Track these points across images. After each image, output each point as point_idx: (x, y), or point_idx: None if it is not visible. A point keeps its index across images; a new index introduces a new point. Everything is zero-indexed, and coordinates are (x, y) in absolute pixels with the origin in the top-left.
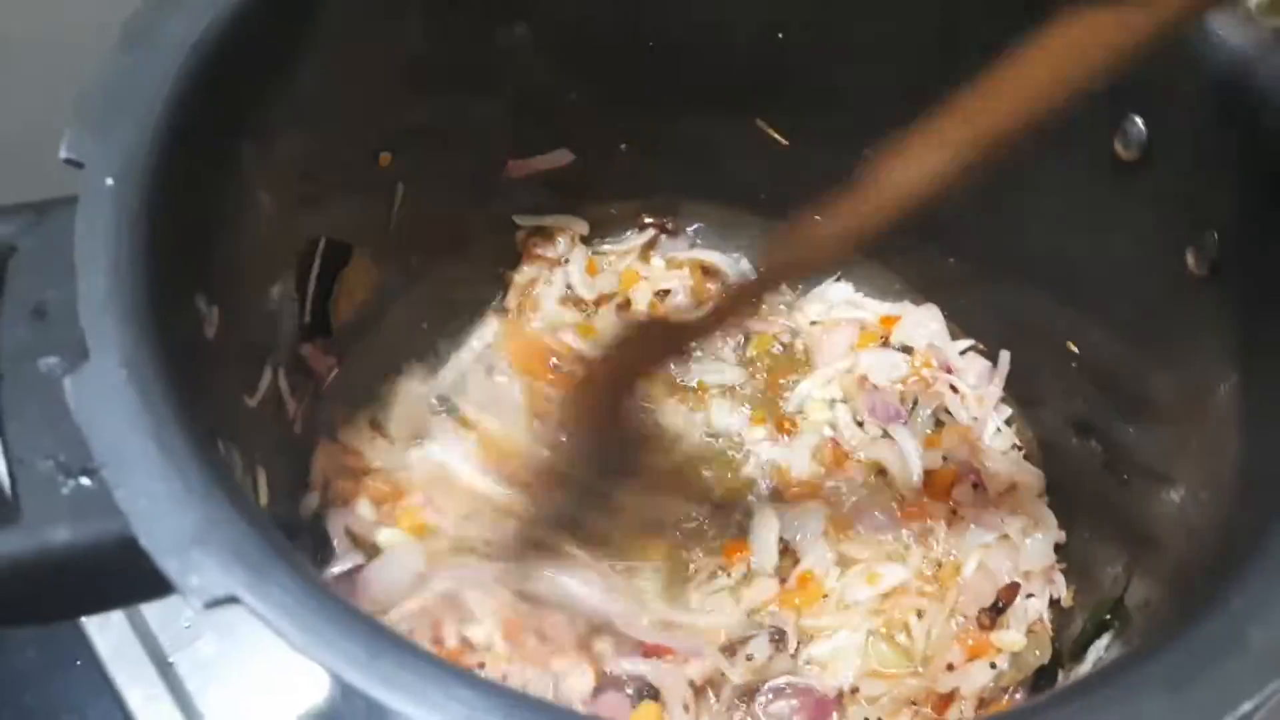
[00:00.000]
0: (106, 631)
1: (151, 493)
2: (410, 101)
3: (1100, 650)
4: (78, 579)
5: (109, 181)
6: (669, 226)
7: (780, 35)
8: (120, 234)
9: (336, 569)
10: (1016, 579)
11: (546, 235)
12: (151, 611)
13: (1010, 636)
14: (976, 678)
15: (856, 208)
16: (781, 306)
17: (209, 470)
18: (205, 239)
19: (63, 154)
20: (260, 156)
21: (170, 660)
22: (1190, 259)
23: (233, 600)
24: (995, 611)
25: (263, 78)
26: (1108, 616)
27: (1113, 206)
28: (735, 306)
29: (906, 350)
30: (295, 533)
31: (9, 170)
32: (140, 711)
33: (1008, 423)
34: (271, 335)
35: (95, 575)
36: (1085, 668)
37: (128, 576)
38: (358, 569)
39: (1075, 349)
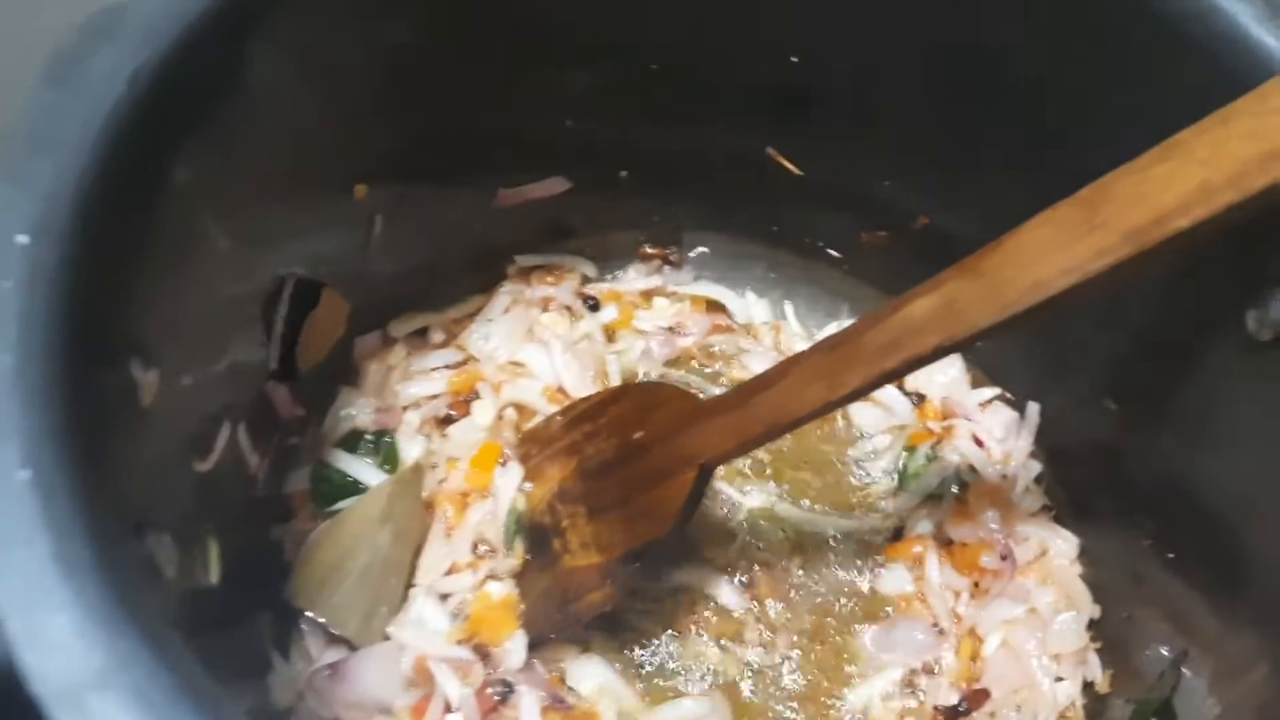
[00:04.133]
0: None
1: (47, 627)
2: (385, 128)
3: None
4: None
5: (22, 239)
6: (672, 258)
7: (794, 59)
8: (33, 300)
9: (317, 665)
10: (1045, 659)
11: (545, 269)
12: None
13: None
14: None
15: (971, 291)
16: (777, 352)
17: (120, 590)
18: (141, 296)
19: None
20: (212, 196)
21: None
22: (1251, 321)
23: None
24: (956, 713)
25: (212, 111)
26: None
27: None
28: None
29: (920, 397)
30: (252, 610)
31: None
32: None
33: (1037, 481)
34: (229, 389)
35: None
36: None
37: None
38: (340, 663)
39: (1114, 405)
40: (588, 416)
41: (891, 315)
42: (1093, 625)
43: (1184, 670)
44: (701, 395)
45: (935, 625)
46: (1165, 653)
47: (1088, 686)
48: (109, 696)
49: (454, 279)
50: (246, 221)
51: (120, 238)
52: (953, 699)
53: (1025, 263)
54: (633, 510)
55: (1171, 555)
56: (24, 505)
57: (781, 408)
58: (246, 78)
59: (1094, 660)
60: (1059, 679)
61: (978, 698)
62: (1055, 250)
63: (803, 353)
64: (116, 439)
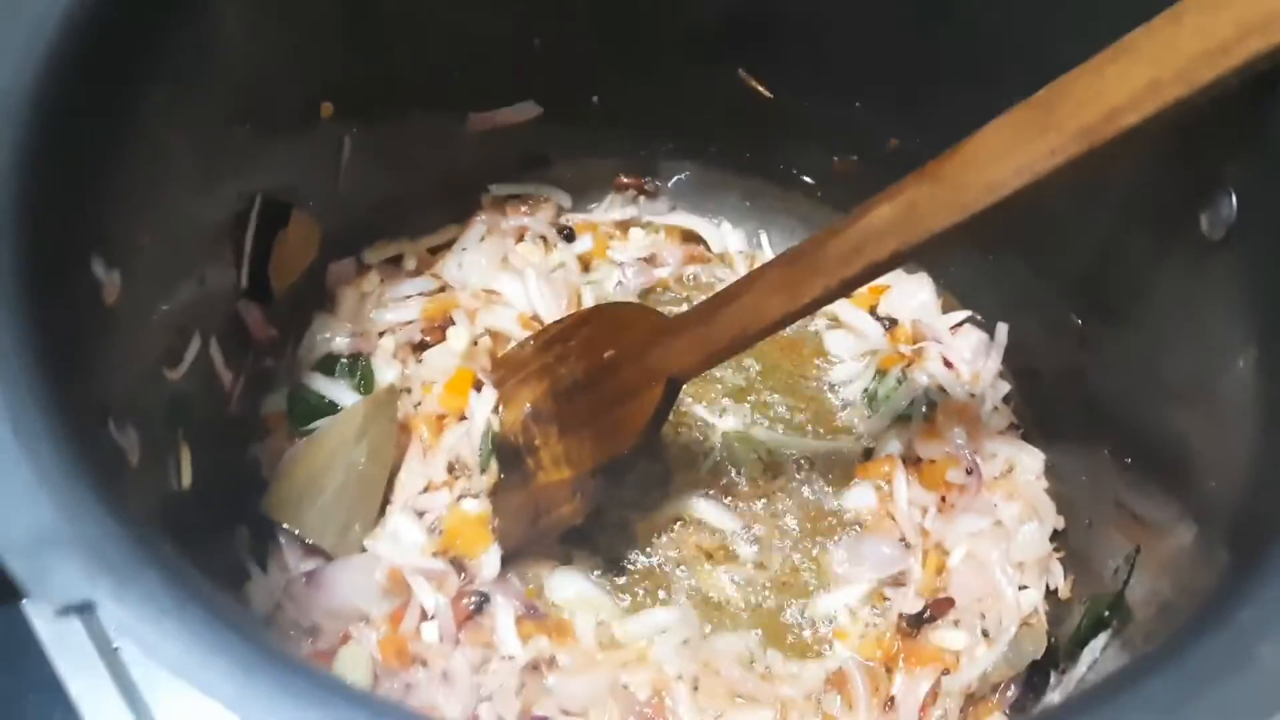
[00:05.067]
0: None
1: (2, 485)
2: (348, 45)
3: (1096, 652)
4: None
5: None
6: (648, 188)
7: None
8: None
9: (294, 575)
10: (1009, 569)
11: (521, 199)
12: None
13: (950, 636)
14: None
15: (930, 196)
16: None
17: (77, 459)
18: (102, 197)
19: None
20: (172, 104)
21: (115, 646)
22: (1204, 222)
23: (89, 607)
24: (920, 620)
25: (170, 15)
26: (1106, 613)
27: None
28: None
29: (892, 322)
30: (229, 524)
31: None
32: (82, 701)
33: (1005, 400)
34: (198, 302)
35: None
36: (1080, 669)
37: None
38: (316, 571)
39: (1079, 321)
40: (560, 339)
41: (853, 224)
42: (1057, 536)
43: (1135, 566)
44: None
45: (902, 540)
46: (1121, 554)
47: (1050, 594)
48: (65, 550)
49: (429, 207)
50: (208, 132)
51: (77, 137)
52: (917, 606)
53: (982, 165)
54: (602, 426)
55: (1128, 460)
56: None
57: (745, 319)
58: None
59: (1056, 568)
60: (1023, 587)
61: (941, 606)
62: (1010, 151)
63: (766, 265)
64: (77, 331)
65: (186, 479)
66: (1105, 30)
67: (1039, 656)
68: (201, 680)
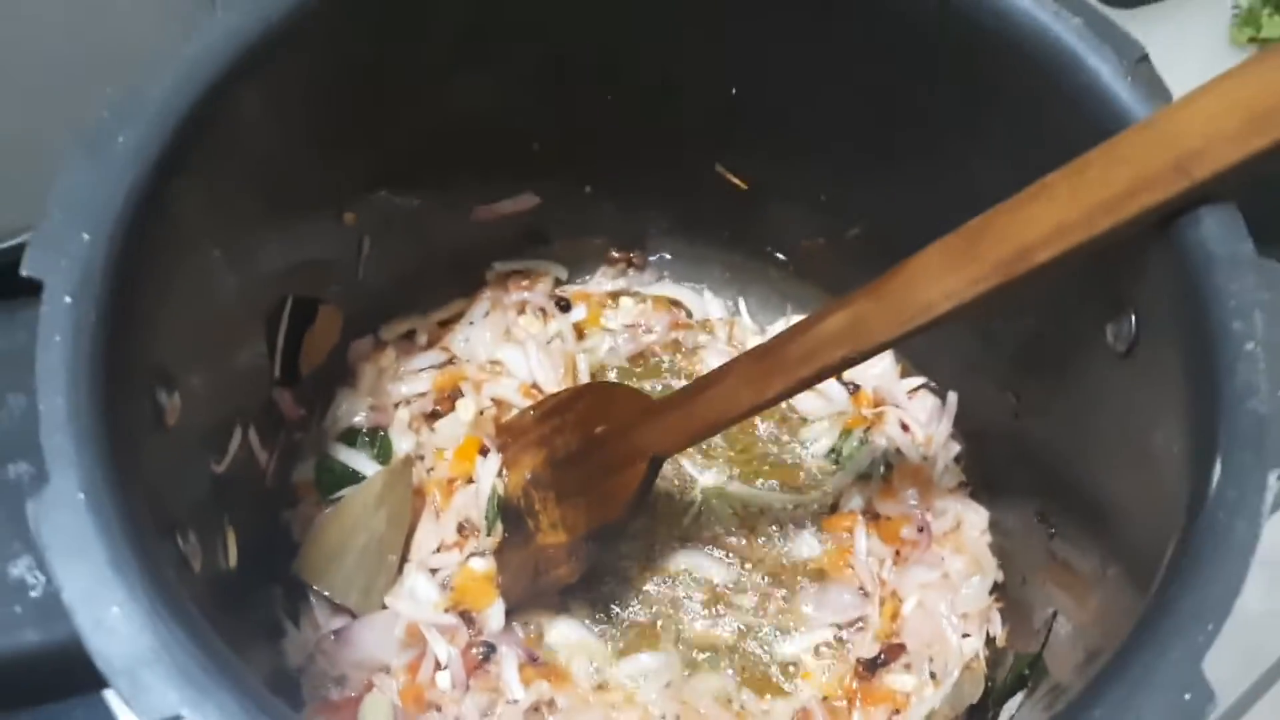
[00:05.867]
0: None
1: (106, 617)
2: (364, 166)
3: (1012, 710)
4: (47, 675)
5: (68, 299)
6: (635, 260)
7: (734, 90)
8: (78, 350)
9: (324, 631)
10: (955, 619)
11: (522, 274)
12: None
13: (901, 680)
14: None
15: (875, 310)
16: (731, 346)
17: (161, 585)
18: (162, 334)
19: (24, 271)
20: (218, 239)
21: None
22: (1110, 335)
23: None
24: (875, 665)
25: (219, 173)
26: (1026, 672)
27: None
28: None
29: (855, 387)
30: (266, 585)
31: None
32: None
33: (956, 460)
34: (239, 399)
35: (64, 671)
36: None
37: (93, 672)
38: (344, 629)
39: (1014, 400)
40: (556, 411)
41: (809, 330)
42: (997, 588)
43: (1055, 626)
44: (664, 386)
45: (861, 589)
46: (1049, 609)
47: (990, 641)
48: (157, 671)
49: (438, 285)
50: (249, 257)
51: (143, 288)
52: (873, 651)
53: (918, 286)
54: (593, 496)
55: (1053, 531)
56: (83, 522)
57: (719, 407)
58: (246, 141)
59: (996, 618)
60: (965, 635)
61: (894, 651)
62: (941, 275)
63: (737, 359)
64: (149, 457)
65: (233, 559)
66: (1026, 159)
67: (976, 700)
68: None
